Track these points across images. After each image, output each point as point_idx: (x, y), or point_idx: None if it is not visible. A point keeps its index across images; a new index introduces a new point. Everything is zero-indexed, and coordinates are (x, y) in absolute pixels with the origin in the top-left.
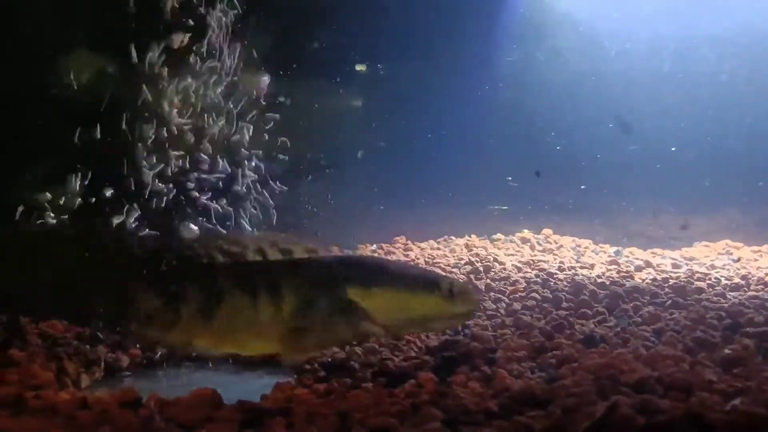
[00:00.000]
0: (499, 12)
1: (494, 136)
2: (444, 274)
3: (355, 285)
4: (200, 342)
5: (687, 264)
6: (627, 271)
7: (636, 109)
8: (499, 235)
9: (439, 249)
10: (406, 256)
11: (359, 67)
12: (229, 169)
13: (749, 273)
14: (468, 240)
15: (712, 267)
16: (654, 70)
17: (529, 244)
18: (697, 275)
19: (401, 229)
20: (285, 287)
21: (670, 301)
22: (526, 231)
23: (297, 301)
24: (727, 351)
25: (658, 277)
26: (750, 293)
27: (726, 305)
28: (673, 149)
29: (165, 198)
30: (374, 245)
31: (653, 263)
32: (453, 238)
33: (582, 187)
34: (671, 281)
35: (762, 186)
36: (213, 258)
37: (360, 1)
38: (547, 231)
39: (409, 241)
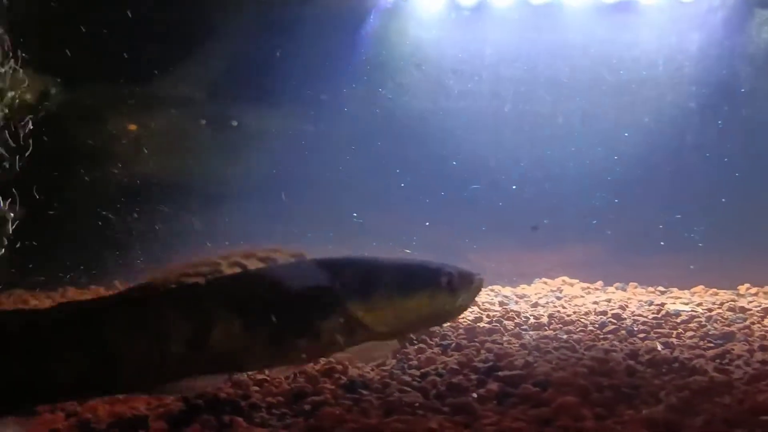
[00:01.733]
0: (344, 49)
1: (339, 173)
2: (440, 263)
3: (355, 298)
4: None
5: (516, 302)
6: None
7: (478, 148)
8: None
9: None
10: None
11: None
12: None
13: (559, 311)
14: None
15: (536, 305)
16: (495, 110)
17: None
18: (510, 314)
19: None
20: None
21: (454, 344)
22: None
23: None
24: (473, 396)
25: (470, 317)
26: (546, 332)
27: (501, 347)
28: (514, 187)
29: None
30: None
31: (478, 302)
32: None
33: (426, 223)
34: (467, 323)
35: (597, 223)
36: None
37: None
38: None
39: None
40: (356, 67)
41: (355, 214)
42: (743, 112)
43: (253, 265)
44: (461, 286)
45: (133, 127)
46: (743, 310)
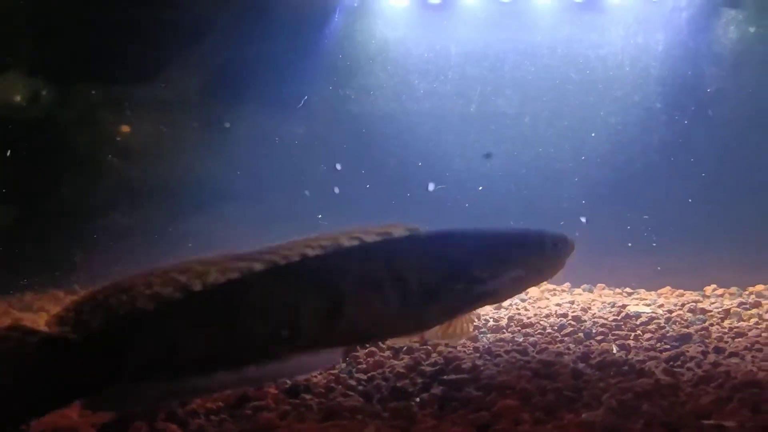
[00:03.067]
0: (309, 49)
1: (304, 173)
2: (537, 229)
3: (479, 264)
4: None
5: None
6: None
7: (444, 148)
8: None
9: None
10: None
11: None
12: None
13: (520, 313)
14: None
15: (499, 307)
16: (461, 110)
17: None
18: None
19: None
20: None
21: (406, 347)
22: None
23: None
24: (415, 400)
25: None
26: (503, 335)
27: (452, 350)
28: (480, 188)
29: None
30: None
31: None
32: None
33: None
34: None
35: (564, 224)
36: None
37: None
38: None
39: None
40: (321, 66)
41: (320, 216)
42: (709, 111)
43: (371, 239)
44: (561, 249)
45: (126, 128)
46: (704, 311)
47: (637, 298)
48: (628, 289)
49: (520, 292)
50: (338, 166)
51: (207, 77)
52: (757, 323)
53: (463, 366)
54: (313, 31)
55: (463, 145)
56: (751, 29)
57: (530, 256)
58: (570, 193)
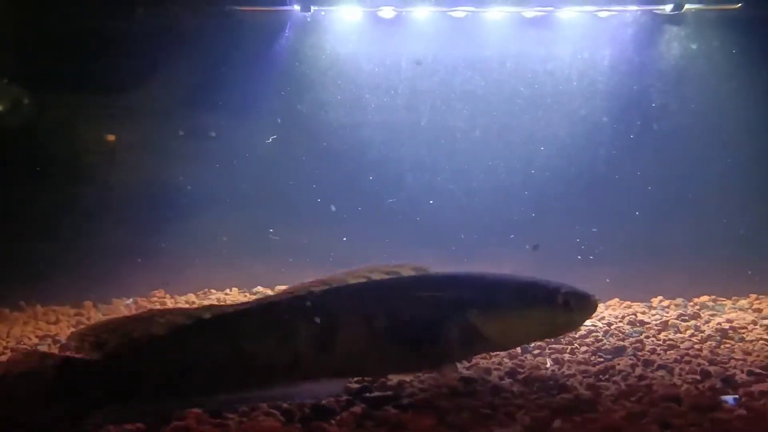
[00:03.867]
0: (260, 64)
1: (255, 188)
2: (557, 282)
3: (475, 309)
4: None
5: None
6: None
7: (395, 162)
8: (259, 288)
9: (194, 303)
10: None
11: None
12: None
13: None
14: (227, 293)
15: None
16: (412, 124)
17: None
18: None
19: (160, 281)
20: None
21: None
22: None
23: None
24: (334, 419)
25: None
26: None
27: None
28: (431, 202)
29: None
30: (129, 299)
31: None
32: (213, 291)
33: (344, 239)
34: None
35: (514, 238)
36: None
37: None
38: None
39: (167, 295)
40: (273, 81)
41: (271, 230)
42: (654, 126)
43: (378, 278)
44: (577, 305)
45: (111, 137)
46: (642, 323)
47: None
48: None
49: (523, 344)
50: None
51: (164, 90)
52: (692, 335)
53: (388, 383)
54: (264, 46)
55: (414, 158)
56: (693, 46)
57: (534, 307)
58: (520, 207)
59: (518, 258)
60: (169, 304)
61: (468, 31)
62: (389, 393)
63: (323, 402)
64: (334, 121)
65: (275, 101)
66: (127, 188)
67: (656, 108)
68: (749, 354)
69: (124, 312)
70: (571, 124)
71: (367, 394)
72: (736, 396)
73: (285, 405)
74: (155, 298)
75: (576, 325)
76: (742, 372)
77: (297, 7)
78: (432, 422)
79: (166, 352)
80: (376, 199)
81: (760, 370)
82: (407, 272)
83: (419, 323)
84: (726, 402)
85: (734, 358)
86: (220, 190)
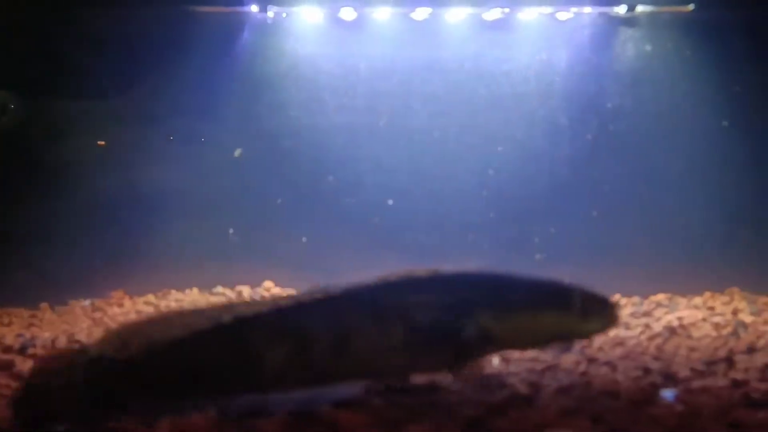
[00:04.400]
0: (217, 66)
1: (215, 189)
2: (576, 286)
3: (487, 311)
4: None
5: None
6: None
7: (355, 163)
8: (219, 288)
9: (153, 303)
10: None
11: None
12: None
13: None
14: (187, 293)
15: None
16: (372, 125)
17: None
18: None
19: (119, 282)
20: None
21: None
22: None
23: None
24: (269, 418)
25: None
26: None
27: None
28: (390, 203)
29: None
30: (87, 300)
31: None
32: (173, 291)
33: (303, 239)
34: None
35: (472, 239)
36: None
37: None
38: (268, 284)
39: (126, 296)
40: (232, 83)
41: (231, 230)
42: (611, 127)
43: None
44: (593, 311)
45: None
46: None
47: None
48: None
49: (535, 348)
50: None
51: (122, 92)
52: (641, 332)
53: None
54: (222, 48)
55: (373, 159)
56: (647, 47)
57: (548, 309)
58: (479, 208)
59: (478, 259)
60: (128, 305)
61: (428, 32)
62: None
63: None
64: (294, 122)
65: (233, 103)
66: (84, 190)
67: (612, 109)
68: (694, 350)
69: (80, 314)
70: (529, 125)
71: None
72: (676, 391)
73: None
74: (113, 300)
75: (593, 333)
76: (685, 368)
77: (255, 8)
78: (366, 420)
79: (185, 354)
80: (335, 200)
81: (702, 367)
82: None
83: (430, 323)
84: (665, 397)
85: (679, 355)
86: (179, 191)
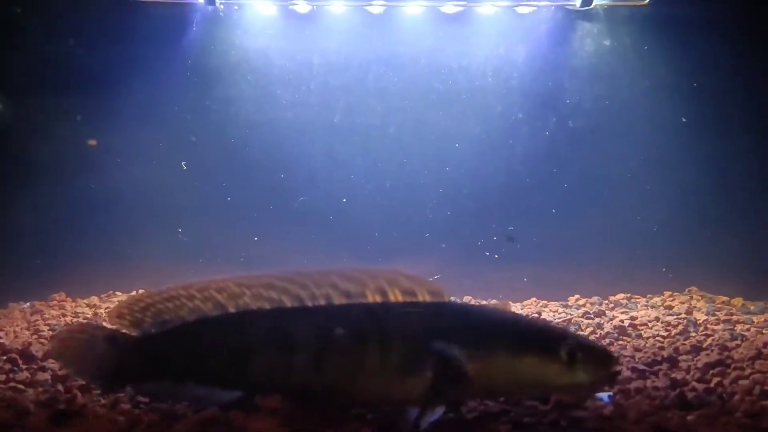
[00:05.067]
0: (166, 60)
1: (162, 188)
2: (572, 331)
3: (461, 345)
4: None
5: None
6: None
7: (307, 160)
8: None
9: (97, 306)
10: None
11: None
12: None
13: None
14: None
15: None
16: (325, 121)
17: None
18: None
19: (61, 285)
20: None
21: None
22: None
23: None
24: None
25: None
26: None
27: None
28: (344, 200)
29: None
30: (26, 303)
31: None
32: (119, 293)
33: (255, 238)
34: None
35: (429, 236)
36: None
37: None
38: None
39: (68, 298)
40: (181, 77)
41: (179, 230)
42: (570, 123)
43: (394, 295)
44: (584, 362)
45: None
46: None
47: None
48: (494, 301)
49: (516, 396)
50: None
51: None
52: (591, 333)
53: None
54: (170, 40)
55: (327, 156)
56: (606, 42)
57: (528, 355)
58: (435, 205)
59: (433, 256)
60: (68, 307)
61: (383, 26)
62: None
63: (176, 407)
64: (245, 117)
65: (181, 98)
66: (26, 191)
67: (570, 105)
68: (639, 350)
69: (18, 317)
70: (486, 120)
71: None
72: (611, 393)
73: (137, 410)
74: (54, 302)
75: (584, 385)
76: (627, 368)
77: (201, 0)
78: (274, 424)
79: (191, 339)
80: (288, 197)
81: (644, 367)
82: (423, 290)
83: (405, 355)
84: (600, 399)
85: (624, 355)
86: (124, 190)
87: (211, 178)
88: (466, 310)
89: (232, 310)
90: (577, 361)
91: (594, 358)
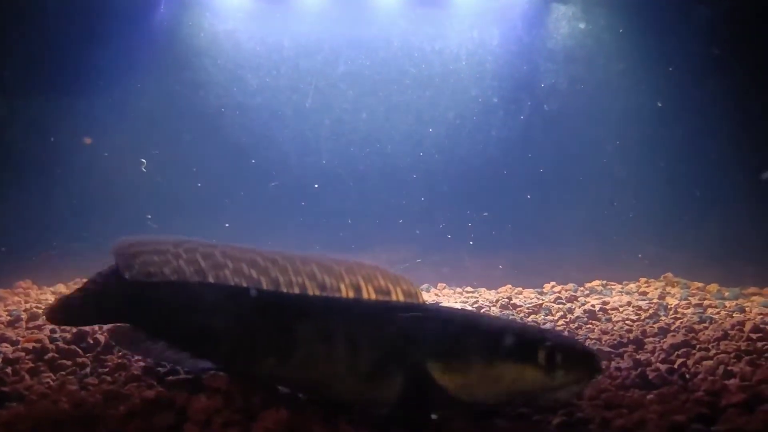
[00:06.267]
0: (134, 43)
1: (128, 173)
2: (552, 331)
3: (434, 358)
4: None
5: None
6: None
7: (278, 145)
8: None
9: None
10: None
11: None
12: None
13: None
14: None
15: None
16: (296, 105)
17: None
18: None
19: (27, 272)
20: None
21: None
22: None
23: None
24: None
25: None
26: None
27: None
28: (316, 186)
29: None
30: None
31: None
32: (85, 279)
33: (226, 225)
34: None
35: (403, 223)
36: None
37: None
38: None
39: (34, 285)
40: (148, 61)
41: (149, 216)
42: (545, 106)
43: (368, 293)
44: (564, 366)
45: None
46: (514, 306)
47: (474, 296)
48: (469, 288)
49: (495, 403)
50: (144, 165)
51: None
52: (561, 317)
53: (200, 365)
54: (138, 24)
55: (298, 141)
56: (581, 25)
57: (504, 361)
58: (409, 190)
59: (408, 243)
60: (33, 294)
61: (354, 9)
62: (192, 377)
63: (124, 388)
64: (214, 102)
65: (149, 82)
66: None
67: (546, 88)
68: (606, 333)
69: None
70: (460, 104)
71: (171, 377)
72: None
73: (85, 390)
74: (20, 289)
75: (565, 389)
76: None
77: None
78: (216, 404)
79: (166, 299)
80: (259, 183)
81: (609, 348)
82: (401, 289)
83: (374, 360)
84: None
85: (590, 338)
86: (92, 176)
87: (181, 164)
88: (440, 316)
89: (211, 279)
90: (557, 363)
91: (574, 357)
